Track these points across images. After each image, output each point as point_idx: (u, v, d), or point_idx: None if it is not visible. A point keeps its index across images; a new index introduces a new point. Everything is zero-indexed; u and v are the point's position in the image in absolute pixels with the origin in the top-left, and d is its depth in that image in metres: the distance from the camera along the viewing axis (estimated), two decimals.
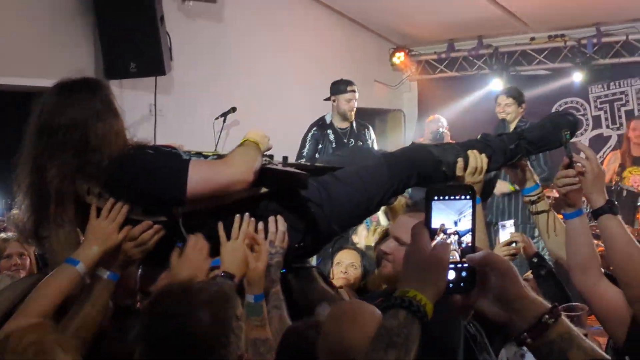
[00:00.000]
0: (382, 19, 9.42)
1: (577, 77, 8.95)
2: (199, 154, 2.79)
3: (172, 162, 2.63)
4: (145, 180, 2.57)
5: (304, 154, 6.92)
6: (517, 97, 7.17)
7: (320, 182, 2.90)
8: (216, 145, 7.23)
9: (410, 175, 3.06)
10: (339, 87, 7.03)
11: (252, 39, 8.19)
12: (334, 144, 6.93)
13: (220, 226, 2.68)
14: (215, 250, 2.66)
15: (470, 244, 1.46)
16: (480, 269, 1.46)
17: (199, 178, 2.55)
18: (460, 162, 3.10)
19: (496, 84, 9.18)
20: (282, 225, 2.74)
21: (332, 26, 9.24)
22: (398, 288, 1.44)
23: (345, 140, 6.98)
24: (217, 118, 7.40)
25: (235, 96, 7.68)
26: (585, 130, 9.36)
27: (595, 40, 8.69)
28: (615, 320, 2.46)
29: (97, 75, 6.60)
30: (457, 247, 1.46)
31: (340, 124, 7.01)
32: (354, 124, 7.10)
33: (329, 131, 6.98)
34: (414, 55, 10.12)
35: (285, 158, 2.92)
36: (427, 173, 3.11)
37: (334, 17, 9.23)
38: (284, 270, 2.81)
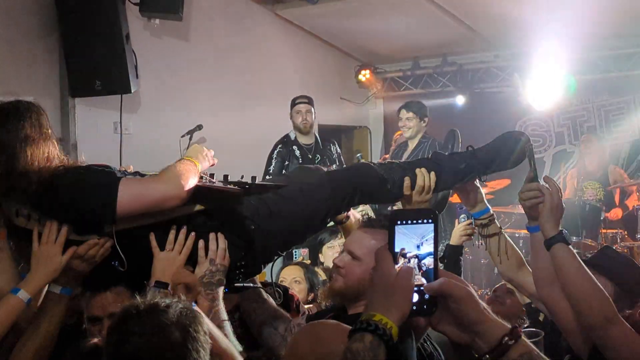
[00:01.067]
0: (348, 37, 9.48)
1: None
2: (136, 173, 2.74)
3: (102, 179, 2.59)
4: (75, 197, 2.54)
5: (271, 171, 6.91)
6: (418, 111, 7.05)
7: (262, 200, 2.87)
8: None
9: (353, 192, 3.03)
10: (292, 102, 7.10)
11: (217, 56, 8.19)
12: (300, 159, 6.92)
13: (152, 236, 2.65)
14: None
15: (432, 267, 1.49)
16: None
17: (130, 194, 2.51)
18: (407, 180, 3.06)
19: (460, 101, 9.29)
20: (222, 242, 2.71)
21: (298, 44, 9.27)
22: (364, 312, 1.46)
23: (310, 156, 6.98)
24: (183, 136, 7.35)
25: (201, 114, 7.66)
26: (549, 146, 9.50)
27: None
28: (578, 332, 2.50)
29: (62, 94, 6.57)
30: (418, 270, 1.48)
31: (304, 140, 7.03)
32: (319, 140, 7.12)
33: (294, 147, 6.99)
34: (379, 72, 10.21)
35: (225, 177, 2.88)
36: (371, 191, 3.09)
37: (300, 35, 9.26)
38: (226, 290, 2.78)
